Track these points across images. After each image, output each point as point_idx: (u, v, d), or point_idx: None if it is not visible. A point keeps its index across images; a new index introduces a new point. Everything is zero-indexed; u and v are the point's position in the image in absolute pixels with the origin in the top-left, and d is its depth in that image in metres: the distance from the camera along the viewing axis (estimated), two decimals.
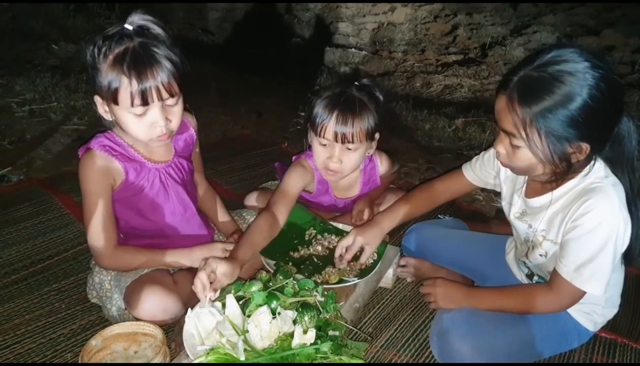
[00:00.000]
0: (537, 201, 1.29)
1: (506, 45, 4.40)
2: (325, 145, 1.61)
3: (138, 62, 1.22)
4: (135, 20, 1.27)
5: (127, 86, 1.22)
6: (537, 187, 1.30)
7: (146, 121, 1.28)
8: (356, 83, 1.63)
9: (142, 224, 1.45)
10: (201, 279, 1.24)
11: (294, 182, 1.67)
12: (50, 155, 2.47)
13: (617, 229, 1.15)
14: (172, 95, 1.28)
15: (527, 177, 1.33)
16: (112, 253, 1.37)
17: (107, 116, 1.32)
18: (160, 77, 1.24)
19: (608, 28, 4.42)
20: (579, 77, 1.07)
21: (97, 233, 1.36)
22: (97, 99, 1.30)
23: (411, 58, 4.47)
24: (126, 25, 1.26)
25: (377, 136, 1.67)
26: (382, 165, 1.83)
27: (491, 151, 1.45)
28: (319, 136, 1.60)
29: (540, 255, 1.31)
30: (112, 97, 1.24)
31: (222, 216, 1.66)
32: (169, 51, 1.27)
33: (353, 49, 4.56)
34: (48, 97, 3.01)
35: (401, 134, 3.02)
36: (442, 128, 3.13)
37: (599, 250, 1.16)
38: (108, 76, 1.23)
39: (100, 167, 1.34)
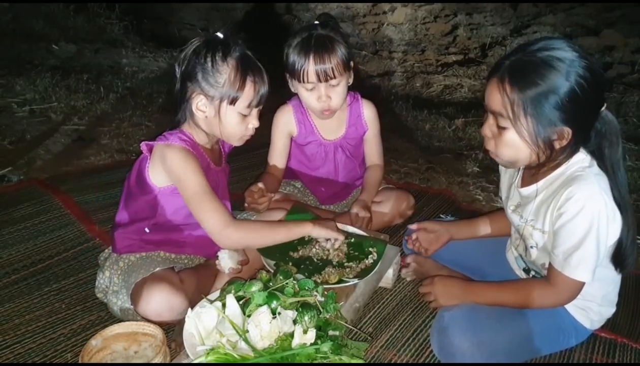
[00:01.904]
0: (526, 190, 1.32)
1: (506, 46, 4.40)
2: (311, 89, 1.71)
3: (258, 70, 1.40)
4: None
5: (250, 88, 1.38)
6: (528, 177, 1.34)
7: (246, 122, 1.43)
8: (317, 22, 1.72)
9: (176, 218, 1.47)
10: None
11: (276, 131, 1.87)
12: (50, 155, 2.47)
13: (599, 213, 1.17)
14: None
15: (521, 168, 1.36)
16: (235, 223, 1.40)
17: (200, 114, 1.40)
18: (267, 84, 1.42)
19: (608, 28, 4.43)
20: (567, 64, 1.12)
21: (212, 210, 1.37)
22: (200, 98, 1.38)
23: (411, 58, 4.47)
24: (219, 34, 1.39)
25: (352, 63, 1.76)
26: (367, 108, 1.90)
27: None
28: (303, 82, 1.69)
29: (532, 247, 1.33)
30: (233, 98, 1.37)
31: None
32: None
33: (353, 49, 4.56)
34: (48, 97, 3.01)
35: (401, 134, 3.02)
36: (442, 128, 3.13)
37: (584, 236, 1.18)
38: (231, 78, 1.36)
39: (192, 158, 1.39)
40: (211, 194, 1.38)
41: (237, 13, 5.32)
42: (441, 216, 2.07)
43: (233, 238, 1.41)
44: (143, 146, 1.43)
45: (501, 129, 1.22)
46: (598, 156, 1.23)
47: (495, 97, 1.19)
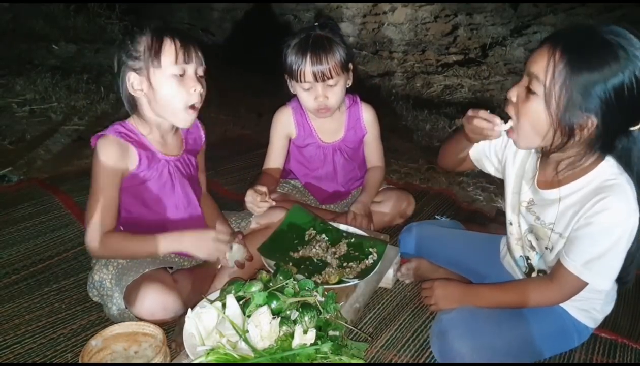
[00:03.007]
0: (549, 193, 1.26)
1: (506, 46, 4.40)
2: (308, 89, 1.72)
3: (176, 30, 1.42)
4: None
5: (170, 45, 1.37)
6: (548, 178, 1.27)
7: (186, 86, 1.38)
8: (317, 23, 1.74)
9: (144, 214, 1.46)
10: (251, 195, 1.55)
11: (275, 132, 1.88)
12: (50, 155, 2.47)
13: (633, 228, 1.14)
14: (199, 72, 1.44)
15: (538, 165, 1.31)
16: (102, 238, 1.38)
17: (139, 94, 1.40)
18: (199, 57, 1.43)
19: None
20: (629, 57, 1.05)
21: (94, 217, 1.38)
22: (130, 75, 1.38)
23: (411, 58, 4.47)
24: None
25: (350, 66, 1.76)
26: (366, 111, 1.90)
27: (501, 139, 1.40)
28: (300, 82, 1.70)
29: (546, 248, 1.30)
30: (156, 60, 1.36)
31: (219, 222, 1.65)
32: None
33: (353, 49, 4.56)
34: (48, 97, 3.01)
35: (401, 134, 3.02)
36: (442, 128, 3.13)
37: (611, 247, 1.15)
38: (149, 43, 1.36)
39: (114, 153, 1.38)
40: (103, 202, 1.38)
41: (237, 13, 5.32)
42: (436, 216, 2.07)
43: (96, 254, 1.43)
44: (93, 140, 1.42)
45: (530, 93, 1.14)
46: (625, 161, 1.17)
47: (540, 59, 1.12)
